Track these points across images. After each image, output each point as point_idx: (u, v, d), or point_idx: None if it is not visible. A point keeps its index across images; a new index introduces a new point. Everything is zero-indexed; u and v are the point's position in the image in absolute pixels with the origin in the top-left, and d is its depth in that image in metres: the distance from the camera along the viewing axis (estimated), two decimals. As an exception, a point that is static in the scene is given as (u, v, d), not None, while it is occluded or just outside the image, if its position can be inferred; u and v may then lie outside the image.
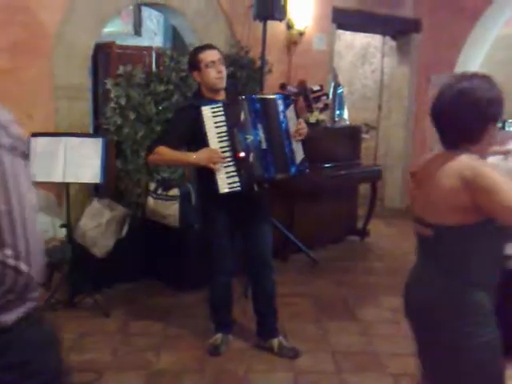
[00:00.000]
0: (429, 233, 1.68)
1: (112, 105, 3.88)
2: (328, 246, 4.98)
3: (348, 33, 6.66)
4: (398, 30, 6.14)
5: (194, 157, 2.71)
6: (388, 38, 6.46)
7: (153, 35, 5.99)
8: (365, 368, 2.95)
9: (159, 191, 3.95)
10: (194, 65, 2.81)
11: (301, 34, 5.01)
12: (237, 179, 2.69)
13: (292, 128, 2.80)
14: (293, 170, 2.81)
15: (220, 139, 2.69)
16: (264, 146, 2.74)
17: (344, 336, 3.30)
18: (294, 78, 4.96)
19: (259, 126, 2.73)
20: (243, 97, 2.78)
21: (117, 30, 5.45)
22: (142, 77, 3.95)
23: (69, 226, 3.48)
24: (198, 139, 2.71)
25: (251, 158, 2.70)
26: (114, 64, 3.96)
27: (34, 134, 3.42)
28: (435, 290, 1.68)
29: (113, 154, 4.00)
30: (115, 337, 3.20)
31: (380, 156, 6.62)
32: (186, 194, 3.90)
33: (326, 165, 4.74)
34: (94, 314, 3.44)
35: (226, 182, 2.68)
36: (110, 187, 4.05)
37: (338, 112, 6.09)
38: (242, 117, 2.70)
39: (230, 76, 4.29)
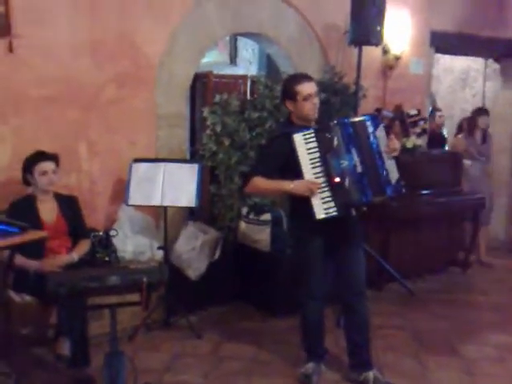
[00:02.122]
0: None
1: (208, 132, 4.01)
2: (426, 277, 4.73)
3: (447, 56, 6.44)
4: (502, 52, 5.84)
5: (292, 186, 2.69)
6: (491, 61, 6.18)
7: (248, 64, 6.16)
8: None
9: (251, 216, 3.99)
10: (290, 95, 2.79)
11: (397, 58, 4.92)
12: (332, 204, 2.65)
13: (383, 147, 2.75)
14: (389, 190, 2.74)
15: (313, 165, 2.67)
16: (359, 169, 2.69)
17: (445, 373, 3.09)
18: (390, 102, 4.86)
19: (353, 150, 2.69)
20: (335, 122, 2.74)
21: (213, 59, 5.66)
22: (237, 104, 4.05)
23: (165, 248, 3.60)
24: (291, 167, 2.70)
25: (347, 183, 2.66)
26: (210, 92, 4.10)
27: (136, 160, 3.60)
28: None
29: (207, 179, 4.11)
30: (207, 359, 3.22)
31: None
32: (277, 218, 3.91)
33: (424, 191, 4.55)
34: (187, 335, 3.50)
35: (322, 207, 2.65)
36: (204, 211, 4.15)
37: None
38: (335, 142, 2.67)
39: (323, 102, 4.32)
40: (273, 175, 2.82)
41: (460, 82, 6.83)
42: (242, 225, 4.02)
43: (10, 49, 3.23)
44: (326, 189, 2.66)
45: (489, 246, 5.60)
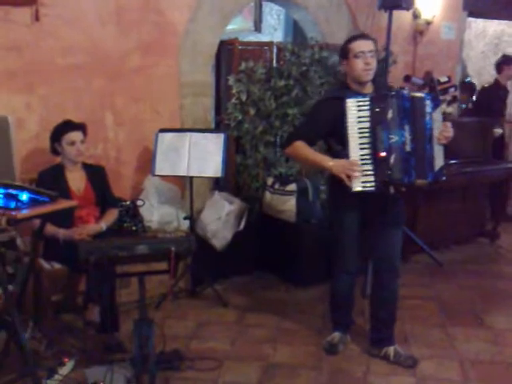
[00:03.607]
0: None
1: (233, 100, 3.96)
2: (453, 248, 4.68)
3: (480, 20, 6.21)
4: (538, 14, 5.61)
5: (331, 164, 2.61)
6: (526, 25, 5.95)
7: (272, 31, 6.04)
8: (494, 378, 2.74)
9: (276, 186, 3.96)
10: (344, 53, 2.69)
11: (428, 23, 4.77)
12: (372, 179, 2.54)
13: (436, 131, 2.59)
14: (430, 176, 2.60)
15: (361, 135, 2.54)
16: (408, 148, 2.54)
17: (472, 343, 3.07)
18: (420, 69, 4.73)
19: (406, 126, 2.54)
20: (393, 93, 2.59)
21: (238, 26, 5.55)
22: (262, 72, 3.99)
23: (191, 218, 3.61)
24: (337, 133, 2.60)
25: (392, 160, 2.52)
26: (236, 60, 4.03)
27: (162, 130, 3.59)
28: None
29: (233, 149, 4.09)
30: (233, 327, 3.26)
31: (513, 153, 6.09)
32: (303, 189, 3.88)
33: (453, 161, 4.45)
34: (213, 303, 3.54)
35: (360, 179, 2.54)
36: (230, 181, 4.14)
37: (463, 105, 5.73)
38: (390, 115, 2.52)
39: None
40: (316, 141, 2.73)
41: (493, 48, 6.60)
42: (267, 195, 4.00)
43: (37, 17, 3.21)
44: (368, 162, 2.54)
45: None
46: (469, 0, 5.03)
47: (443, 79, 4.52)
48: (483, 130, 4.83)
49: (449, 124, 2.66)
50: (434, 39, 4.91)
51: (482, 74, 6.63)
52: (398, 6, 3.76)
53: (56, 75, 3.35)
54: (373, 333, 2.94)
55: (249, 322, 3.34)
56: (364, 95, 2.59)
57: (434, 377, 2.74)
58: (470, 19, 5.69)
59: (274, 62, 4.21)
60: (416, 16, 4.74)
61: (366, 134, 2.54)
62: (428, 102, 2.57)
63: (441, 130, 2.61)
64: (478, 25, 6.48)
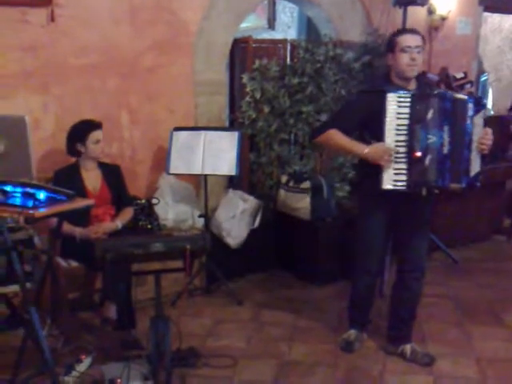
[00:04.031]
0: None
1: (247, 99, 3.96)
2: (470, 245, 4.63)
3: (495, 15, 6.14)
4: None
5: (366, 151, 2.54)
6: (543, 19, 5.86)
7: (286, 28, 6.02)
8: (511, 377, 2.71)
9: (291, 184, 3.96)
10: (390, 46, 2.63)
11: (443, 18, 4.72)
12: (404, 178, 2.49)
13: (475, 136, 2.53)
14: (465, 181, 2.53)
15: (398, 132, 2.49)
16: (445, 150, 2.48)
17: (489, 342, 3.05)
18: (435, 65, 4.68)
19: (445, 127, 2.47)
20: (435, 92, 2.55)
21: (251, 24, 5.54)
22: (276, 70, 3.98)
23: (206, 216, 3.62)
24: (374, 127, 2.54)
25: (427, 161, 2.47)
26: (250, 58, 4.02)
27: (176, 129, 3.61)
28: None
29: (247, 147, 4.09)
30: (248, 325, 3.26)
31: (530, 149, 6.00)
32: (317, 186, 3.87)
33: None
34: (228, 301, 3.55)
35: (392, 177, 2.49)
36: (244, 179, 4.15)
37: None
38: (430, 114, 2.46)
39: (367, 65, 4.21)
40: (351, 131, 2.65)
41: (509, 43, 6.52)
42: (282, 193, 4.00)
43: (52, 18, 3.23)
44: (403, 160, 2.49)
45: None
46: (485, -6, 4.97)
47: (459, 75, 4.48)
48: (500, 126, 4.76)
49: (489, 131, 2.59)
50: (450, 35, 4.86)
51: (499, 69, 6.55)
52: (413, 2, 3.73)
53: (71, 75, 3.37)
54: (391, 330, 2.92)
55: (264, 319, 3.34)
56: (406, 91, 2.53)
57: (451, 375, 2.73)
58: (486, 14, 5.62)
59: (288, 59, 4.20)
60: (431, 12, 4.69)
61: (404, 132, 2.49)
62: (470, 106, 2.50)
63: (481, 136, 2.54)
64: (493, 20, 6.40)
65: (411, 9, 3.90)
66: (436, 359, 2.82)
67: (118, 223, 3.08)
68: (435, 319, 3.31)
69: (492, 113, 5.66)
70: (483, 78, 5.78)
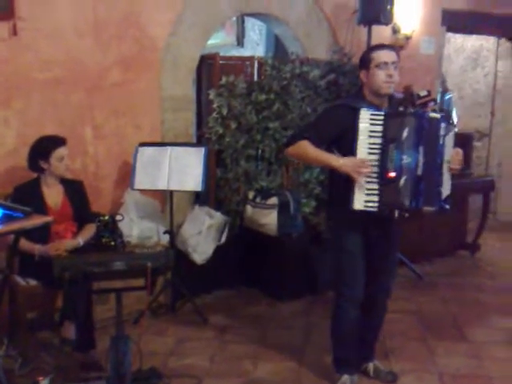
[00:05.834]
0: None
1: (214, 115, 3.96)
2: (434, 261, 4.70)
3: (458, 35, 6.31)
4: (516, 30, 5.71)
5: (341, 162, 2.41)
6: (503, 40, 6.05)
7: (255, 45, 6.06)
8: (475, 394, 2.73)
9: (258, 199, 3.95)
10: (364, 62, 2.52)
11: (407, 37, 4.82)
12: (376, 199, 2.38)
13: (446, 157, 2.45)
14: (436, 205, 2.46)
15: (370, 151, 2.39)
16: (419, 171, 2.39)
17: (452, 357, 3.08)
18: (399, 83, 4.75)
19: (421, 148, 2.38)
20: (412, 111, 2.47)
21: (220, 41, 5.57)
22: (243, 86, 3.99)
23: (171, 232, 3.58)
24: (343, 143, 2.46)
25: (402, 182, 2.36)
26: (217, 75, 4.03)
27: (142, 144, 3.58)
28: None
29: (213, 163, 4.08)
30: (213, 343, 3.23)
31: (493, 166, 6.18)
32: (284, 202, 3.87)
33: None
34: (193, 319, 3.50)
35: (363, 198, 2.39)
36: (211, 195, 4.12)
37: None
38: (405, 133, 2.36)
39: (332, 83, 4.26)
40: (321, 145, 2.52)
41: (471, 62, 6.70)
42: (249, 209, 3.99)
43: (15, 32, 3.18)
44: (375, 180, 2.39)
45: (500, 229, 5.56)
46: (447, 15, 5.10)
47: (423, 93, 4.56)
48: (463, 143, 4.87)
49: (460, 151, 2.53)
50: (414, 54, 4.97)
51: (462, 87, 6.72)
52: (377, 21, 3.82)
53: (34, 89, 3.31)
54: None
55: (229, 337, 3.31)
56: (379, 109, 2.45)
57: (414, 392, 2.74)
58: (449, 34, 5.78)
59: (255, 76, 4.22)
60: (395, 31, 4.79)
61: (376, 151, 2.39)
62: (443, 126, 2.43)
63: (452, 156, 2.48)
64: (456, 40, 6.58)
65: (376, 28, 3.99)
66: (399, 376, 2.84)
67: (80, 240, 3.01)
68: (399, 335, 3.33)
69: (456, 130, 5.79)
70: (448, 97, 5.91)
